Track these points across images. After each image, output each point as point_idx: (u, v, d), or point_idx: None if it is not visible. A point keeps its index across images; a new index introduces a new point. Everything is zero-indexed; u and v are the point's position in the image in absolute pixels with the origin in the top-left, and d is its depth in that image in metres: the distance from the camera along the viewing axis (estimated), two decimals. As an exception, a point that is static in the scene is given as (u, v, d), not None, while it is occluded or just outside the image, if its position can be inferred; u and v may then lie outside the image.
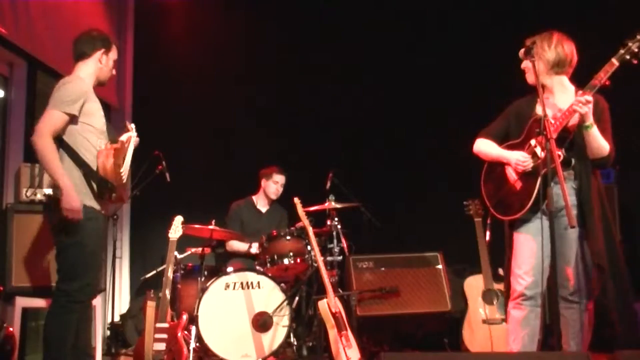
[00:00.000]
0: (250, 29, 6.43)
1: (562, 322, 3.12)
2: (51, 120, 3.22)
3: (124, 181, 3.38)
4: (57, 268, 3.32)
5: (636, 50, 2.99)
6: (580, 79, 3.20)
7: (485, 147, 3.40)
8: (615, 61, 3.02)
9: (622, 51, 3.01)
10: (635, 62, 3.00)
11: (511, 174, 3.26)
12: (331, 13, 6.52)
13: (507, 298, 3.31)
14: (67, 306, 3.24)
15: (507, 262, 3.34)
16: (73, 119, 3.28)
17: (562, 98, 3.20)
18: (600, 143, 3.13)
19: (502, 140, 3.36)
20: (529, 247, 3.18)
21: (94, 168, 3.30)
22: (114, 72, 3.62)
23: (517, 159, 3.20)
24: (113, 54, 3.58)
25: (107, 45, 3.54)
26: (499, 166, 3.33)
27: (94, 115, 3.37)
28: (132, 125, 3.69)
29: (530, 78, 3.25)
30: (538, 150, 3.14)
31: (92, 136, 3.34)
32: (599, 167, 3.23)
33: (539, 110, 3.25)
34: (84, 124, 3.31)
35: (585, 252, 3.13)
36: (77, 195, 3.20)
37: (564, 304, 3.12)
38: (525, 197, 3.15)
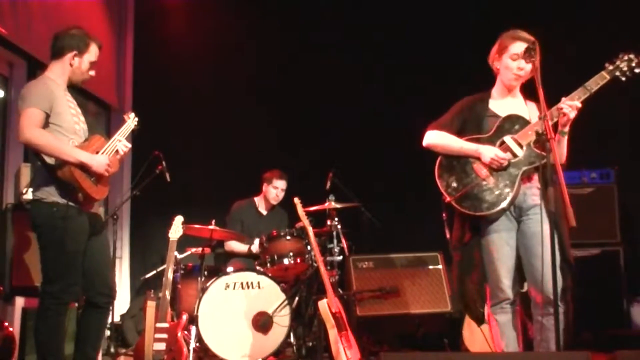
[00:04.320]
0: (251, 28, 6.43)
1: (539, 328, 3.09)
2: (32, 117, 3.17)
3: (88, 180, 3.24)
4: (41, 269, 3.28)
5: (625, 69, 3.03)
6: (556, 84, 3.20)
7: (444, 139, 3.29)
8: (606, 74, 3.04)
9: (611, 67, 3.04)
10: (623, 79, 3.04)
11: (480, 169, 3.18)
12: (332, 13, 6.52)
13: (481, 303, 3.25)
14: (53, 309, 3.19)
15: (470, 265, 3.25)
16: (46, 118, 3.22)
17: (519, 103, 3.27)
18: (564, 150, 3.18)
19: (456, 134, 3.28)
20: (504, 250, 3.14)
21: (62, 167, 3.20)
22: (91, 73, 3.45)
23: (496, 154, 3.12)
24: (90, 56, 3.41)
25: (81, 47, 3.38)
26: (459, 159, 3.24)
27: (62, 115, 3.28)
28: (131, 115, 3.66)
29: (519, 81, 3.24)
30: (515, 148, 3.12)
31: (61, 137, 3.25)
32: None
33: (494, 108, 3.26)
34: (52, 124, 3.24)
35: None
36: (100, 159, 3.25)
37: (545, 311, 3.04)
38: (501, 193, 3.10)
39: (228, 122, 6.32)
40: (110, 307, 3.49)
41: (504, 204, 3.09)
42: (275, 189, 5.44)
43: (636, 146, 5.36)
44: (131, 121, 3.65)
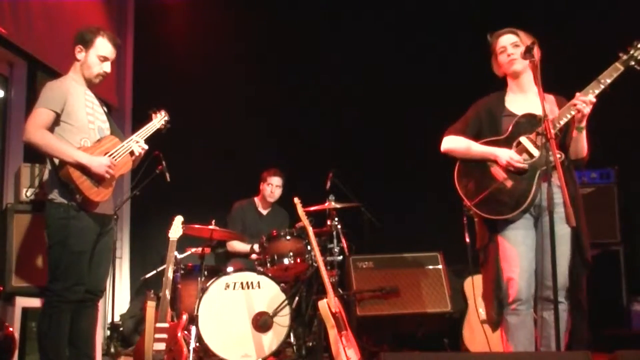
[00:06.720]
0: (251, 28, 6.43)
1: (541, 324, 3.08)
2: (38, 117, 3.22)
3: (88, 182, 3.24)
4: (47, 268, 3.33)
5: None
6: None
7: (461, 144, 3.27)
8: (619, 65, 2.99)
9: (625, 57, 3.00)
10: (638, 68, 2.99)
11: (498, 172, 3.15)
12: (331, 13, 6.52)
13: (496, 303, 3.19)
14: (57, 306, 3.23)
15: (487, 265, 3.23)
16: (57, 118, 3.26)
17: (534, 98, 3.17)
18: (585, 144, 3.15)
19: (474, 138, 3.26)
20: (519, 248, 3.11)
21: (62, 167, 3.22)
22: (104, 68, 3.44)
23: (511, 157, 3.09)
24: (96, 50, 3.40)
25: (86, 41, 3.39)
26: (478, 163, 3.22)
27: (75, 113, 3.31)
28: (160, 114, 3.68)
29: (518, 66, 3.19)
30: (531, 148, 3.09)
31: (73, 136, 3.29)
32: (577, 167, 3.25)
33: (510, 107, 3.23)
34: (64, 123, 3.28)
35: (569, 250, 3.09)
36: (97, 159, 3.24)
37: (546, 305, 3.05)
38: (520, 195, 3.07)
39: (228, 121, 6.32)
40: (97, 304, 3.50)
41: (523, 207, 3.06)
42: (270, 186, 5.48)
43: (636, 146, 5.36)
44: (158, 120, 3.67)
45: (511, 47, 3.20)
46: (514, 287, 3.10)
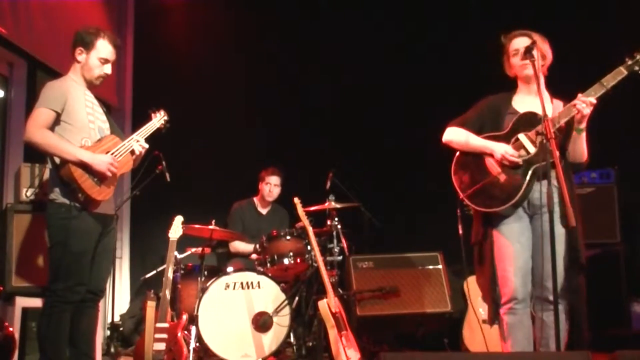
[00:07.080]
0: (251, 28, 6.43)
1: (540, 325, 3.08)
2: (38, 117, 3.22)
3: (90, 180, 3.23)
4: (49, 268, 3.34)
5: None
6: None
7: (461, 136, 3.30)
8: (623, 70, 3.02)
9: (630, 62, 3.02)
10: None
11: (493, 166, 3.17)
12: (332, 13, 6.52)
13: (492, 301, 3.20)
14: (57, 306, 3.23)
15: (484, 265, 3.23)
16: (57, 117, 3.26)
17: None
18: (584, 147, 3.16)
19: (476, 132, 3.28)
20: (514, 246, 3.11)
21: (63, 166, 3.22)
22: (105, 70, 3.44)
23: (506, 151, 3.12)
24: (97, 52, 3.39)
25: (87, 43, 3.38)
26: (475, 156, 3.24)
27: (75, 113, 3.31)
28: (160, 113, 3.68)
29: (530, 71, 3.17)
30: (528, 145, 3.11)
31: (73, 135, 3.29)
32: (576, 170, 3.27)
33: (516, 106, 3.26)
34: (65, 123, 3.28)
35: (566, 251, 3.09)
36: (102, 157, 3.24)
37: (545, 306, 3.05)
38: (512, 190, 3.09)
39: (228, 121, 6.31)
40: (97, 305, 3.50)
41: (513, 201, 3.08)
42: (268, 185, 5.48)
43: (636, 146, 5.35)
44: (157, 120, 3.68)
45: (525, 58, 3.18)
46: (509, 286, 3.11)
